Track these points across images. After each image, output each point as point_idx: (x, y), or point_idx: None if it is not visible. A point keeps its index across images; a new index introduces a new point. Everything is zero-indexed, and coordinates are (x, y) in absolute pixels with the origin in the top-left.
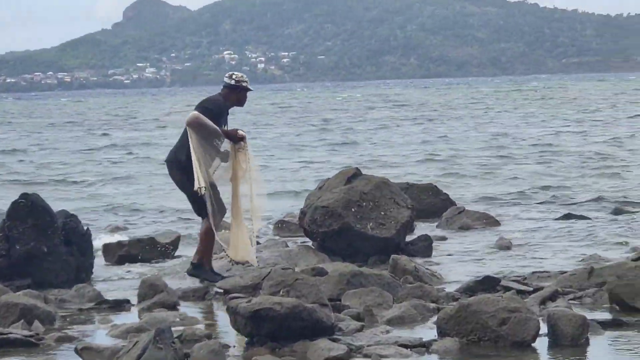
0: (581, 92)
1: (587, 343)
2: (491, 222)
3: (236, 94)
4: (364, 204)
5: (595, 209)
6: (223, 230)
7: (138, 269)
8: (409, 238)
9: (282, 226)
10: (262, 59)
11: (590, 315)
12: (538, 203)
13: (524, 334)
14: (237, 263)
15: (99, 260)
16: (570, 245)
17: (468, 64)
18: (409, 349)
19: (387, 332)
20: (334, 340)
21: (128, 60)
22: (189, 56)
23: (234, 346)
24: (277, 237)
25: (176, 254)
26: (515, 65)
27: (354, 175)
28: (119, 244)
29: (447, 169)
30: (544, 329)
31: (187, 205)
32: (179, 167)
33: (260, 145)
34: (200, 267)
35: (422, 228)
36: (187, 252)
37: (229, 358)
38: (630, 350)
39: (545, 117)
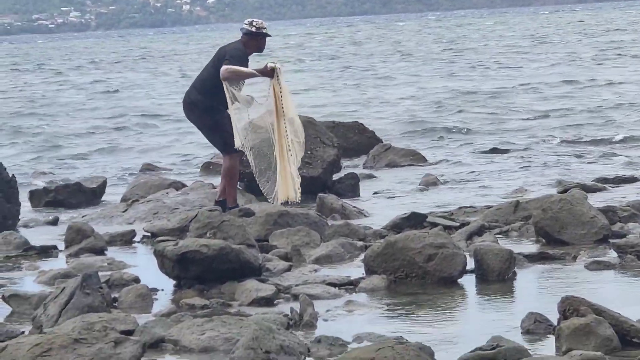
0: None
1: (513, 277)
2: (418, 158)
3: (257, 40)
4: None
5: (523, 141)
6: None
7: (65, 214)
8: (336, 176)
9: (209, 167)
10: (187, 0)
11: (516, 249)
12: (463, 143)
13: (450, 269)
14: (287, 203)
15: (26, 206)
16: (497, 180)
17: (392, 1)
18: (337, 288)
19: (315, 271)
20: (262, 281)
21: (52, 5)
22: None
23: (162, 289)
24: (203, 179)
25: (103, 198)
26: (440, 1)
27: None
28: (45, 189)
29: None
30: (471, 264)
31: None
32: (192, 107)
33: None
34: (224, 203)
35: (349, 166)
36: (114, 197)
37: (156, 301)
38: (556, 282)
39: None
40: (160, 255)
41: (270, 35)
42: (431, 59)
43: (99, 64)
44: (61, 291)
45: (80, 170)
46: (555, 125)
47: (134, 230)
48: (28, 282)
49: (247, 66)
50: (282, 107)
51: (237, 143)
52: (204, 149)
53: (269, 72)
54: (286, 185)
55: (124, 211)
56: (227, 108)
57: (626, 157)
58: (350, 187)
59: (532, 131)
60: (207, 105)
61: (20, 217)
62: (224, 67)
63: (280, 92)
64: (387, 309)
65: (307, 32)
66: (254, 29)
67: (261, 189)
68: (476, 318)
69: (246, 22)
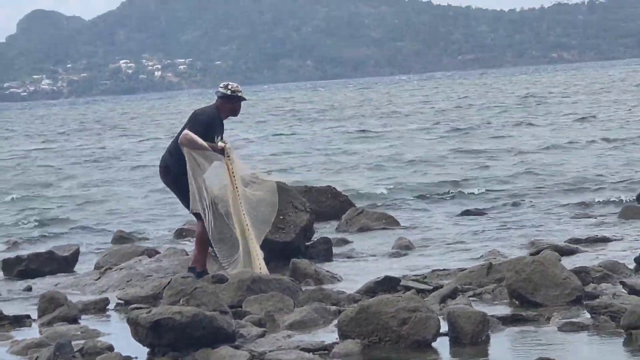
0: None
1: (487, 340)
2: (390, 222)
3: (232, 104)
4: None
5: (493, 203)
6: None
7: (38, 283)
8: (309, 241)
9: (182, 234)
10: (159, 66)
11: (490, 311)
12: (437, 200)
13: (424, 333)
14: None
15: None
16: (470, 242)
17: (364, 64)
18: (311, 353)
19: (289, 336)
20: (236, 347)
21: (24, 73)
22: (84, 66)
23: (136, 357)
24: (177, 246)
25: (76, 267)
26: (412, 64)
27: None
28: (18, 258)
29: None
30: (444, 327)
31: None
32: (166, 171)
33: None
34: (194, 270)
35: (322, 231)
36: (87, 265)
37: None
38: (530, 344)
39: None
40: (133, 323)
41: (245, 99)
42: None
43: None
44: None
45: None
46: (529, 186)
47: (107, 298)
48: (1, 352)
49: (219, 130)
50: (235, 186)
51: (196, 207)
52: (177, 216)
53: (220, 151)
54: (250, 261)
55: (97, 279)
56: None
57: (599, 217)
58: (324, 251)
59: (503, 193)
60: (180, 169)
61: None
62: (183, 132)
63: (233, 172)
64: None
65: (288, 96)
66: (229, 92)
67: (218, 255)
68: None
69: (222, 85)
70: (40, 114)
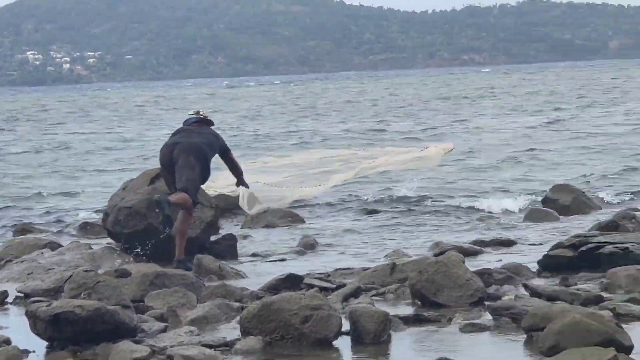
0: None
1: (389, 339)
2: (296, 220)
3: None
4: None
5: (397, 204)
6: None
7: None
8: (213, 238)
9: (86, 228)
10: (67, 59)
11: (392, 311)
12: (343, 200)
13: (326, 331)
14: None
15: None
16: (374, 242)
17: (276, 63)
18: (212, 349)
19: (191, 332)
20: (137, 342)
21: None
22: None
23: (34, 351)
24: (80, 240)
25: None
26: (324, 63)
27: (157, 175)
28: None
29: None
30: (347, 325)
31: None
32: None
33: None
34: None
35: (227, 227)
36: None
37: None
38: (431, 344)
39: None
40: (32, 316)
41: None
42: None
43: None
44: None
45: None
46: (434, 186)
47: (6, 291)
48: None
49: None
50: None
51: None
52: (82, 210)
53: None
54: None
55: None
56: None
57: (504, 219)
58: (228, 248)
59: (408, 194)
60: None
61: None
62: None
63: None
64: None
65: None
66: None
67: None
68: None
69: (195, 111)
70: None
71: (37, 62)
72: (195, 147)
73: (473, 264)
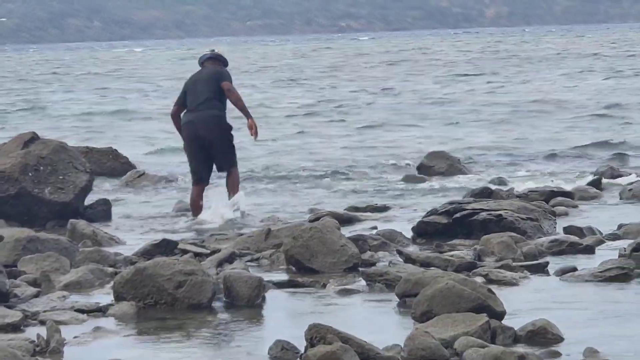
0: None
1: (262, 304)
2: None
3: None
4: (42, 168)
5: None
6: None
7: None
8: (87, 202)
9: None
10: None
11: (267, 277)
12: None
13: (200, 296)
14: None
15: None
16: (250, 207)
17: (153, 27)
18: (85, 314)
19: (64, 297)
20: (9, 307)
21: None
22: None
23: None
24: None
25: None
26: (200, 28)
27: (31, 139)
28: None
29: None
30: (221, 291)
31: None
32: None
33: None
34: None
35: (102, 192)
36: None
37: None
38: (305, 310)
39: None
40: None
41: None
42: None
43: None
44: None
45: None
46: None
47: None
48: None
49: None
50: None
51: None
52: None
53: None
54: None
55: None
56: None
57: (380, 185)
58: (103, 212)
59: (287, 159)
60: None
61: None
62: (233, 90)
63: None
64: (136, 335)
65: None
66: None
67: None
68: (223, 345)
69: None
70: None
71: None
72: (210, 118)
73: (348, 230)
